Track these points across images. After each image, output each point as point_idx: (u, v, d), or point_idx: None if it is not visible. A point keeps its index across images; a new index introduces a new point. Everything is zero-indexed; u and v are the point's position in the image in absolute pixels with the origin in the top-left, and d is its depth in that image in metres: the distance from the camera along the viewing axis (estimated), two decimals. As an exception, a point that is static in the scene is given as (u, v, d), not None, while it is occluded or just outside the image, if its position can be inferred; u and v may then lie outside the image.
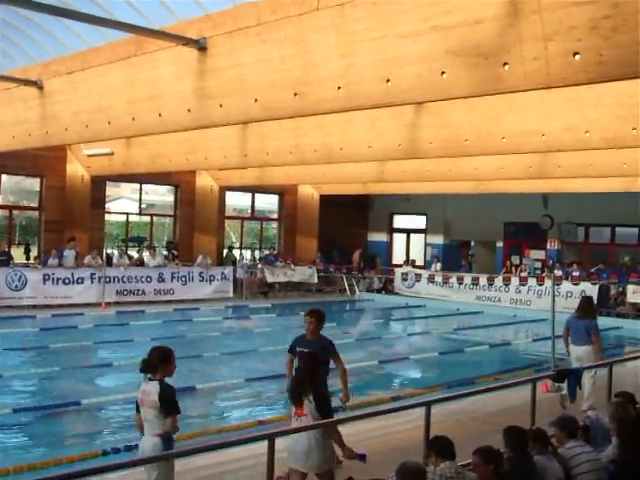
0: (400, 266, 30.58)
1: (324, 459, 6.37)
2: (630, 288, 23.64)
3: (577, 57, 7.37)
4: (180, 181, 27.14)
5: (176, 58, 11.20)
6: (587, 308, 11.67)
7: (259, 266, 27.67)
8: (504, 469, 5.86)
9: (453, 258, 31.35)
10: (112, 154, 21.54)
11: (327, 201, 30.75)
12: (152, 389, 5.92)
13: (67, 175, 24.22)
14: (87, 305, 21.74)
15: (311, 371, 6.66)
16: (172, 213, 28.32)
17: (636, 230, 27.49)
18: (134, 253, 25.61)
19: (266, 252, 29.81)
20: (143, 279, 23.26)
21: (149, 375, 6.02)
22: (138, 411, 6.05)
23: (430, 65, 8.40)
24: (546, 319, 14.33)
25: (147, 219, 28.60)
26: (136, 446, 7.88)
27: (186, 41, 10.73)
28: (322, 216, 30.99)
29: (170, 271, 24.09)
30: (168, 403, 5.85)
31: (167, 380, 6.00)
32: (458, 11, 7.99)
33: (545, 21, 7.47)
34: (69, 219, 24.26)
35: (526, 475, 5.99)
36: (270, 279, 27.45)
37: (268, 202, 32.20)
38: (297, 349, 8.30)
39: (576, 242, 28.65)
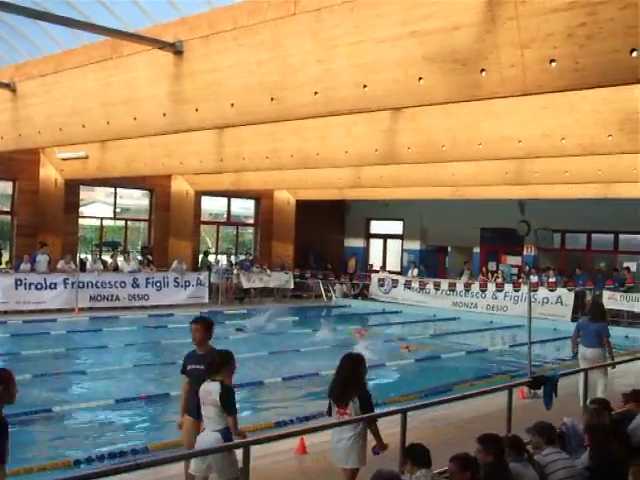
0: (377, 271, 30.61)
1: (359, 458, 6.92)
2: (606, 294, 23.78)
3: (553, 64, 7.38)
4: (155, 185, 26.96)
5: (152, 61, 11.11)
6: (599, 312, 12.37)
7: (235, 271, 27.54)
8: (480, 476, 5.83)
9: (430, 264, 31.41)
10: (87, 158, 21.34)
11: (303, 206, 30.69)
12: (214, 389, 6.55)
13: (40, 179, 23.95)
14: (60, 311, 21.52)
15: (354, 373, 7.11)
16: (147, 217, 28.11)
17: (612, 236, 27.68)
18: (108, 258, 25.38)
19: (242, 257, 29.70)
20: (117, 284, 23.07)
21: (211, 376, 6.70)
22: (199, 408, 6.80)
23: (407, 71, 8.38)
24: (522, 325, 14.36)
25: (121, 223, 28.37)
26: (110, 455, 7.80)
27: (162, 44, 10.64)
28: (298, 221, 30.93)
29: (145, 276, 23.91)
30: (228, 403, 6.48)
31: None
32: (436, 17, 7.97)
33: (522, 28, 7.47)
34: (42, 223, 23.98)
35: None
36: (246, 285, 27.35)
37: (244, 207, 32.09)
38: (189, 367, 7.53)
39: (552, 248, 28.86)
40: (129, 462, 5.33)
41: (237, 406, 6.60)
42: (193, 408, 7.14)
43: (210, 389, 6.59)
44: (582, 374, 10.61)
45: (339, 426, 6.86)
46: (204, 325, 7.64)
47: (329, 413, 7.21)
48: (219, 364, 6.78)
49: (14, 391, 5.11)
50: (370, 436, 7.02)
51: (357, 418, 6.90)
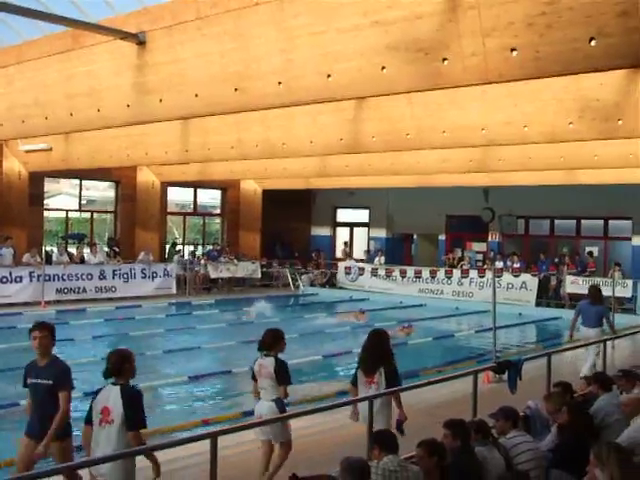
0: (343, 259, 30.71)
1: (385, 423, 7.68)
2: (569, 279, 24.11)
3: (514, 53, 7.48)
4: (121, 176, 26.76)
5: (114, 52, 11.03)
6: (598, 296, 13.37)
7: (202, 262, 27.47)
8: (447, 461, 5.93)
9: (396, 251, 31.58)
10: (50, 150, 21.12)
11: (270, 196, 30.67)
12: (268, 363, 7.43)
13: (3, 171, 23.63)
14: (26, 304, 21.30)
15: (382, 346, 7.97)
16: (113, 209, 27.91)
17: (574, 222, 28.04)
18: (74, 250, 25.17)
19: (209, 248, 29.62)
20: (84, 277, 22.90)
21: (264, 352, 7.55)
22: (255, 380, 7.59)
23: (370, 60, 8.42)
24: (487, 311, 14.52)
25: (87, 215, 28.13)
26: (77, 447, 7.81)
27: (124, 35, 10.57)
28: (265, 211, 30.91)
29: (111, 268, 23.75)
30: (282, 375, 7.34)
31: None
32: (398, 6, 8.02)
33: (483, 17, 7.55)
34: (6, 216, 23.68)
35: (468, 466, 6.07)
36: (213, 275, 27.30)
37: (211, 197, 31.99)
38: (29, 381, 6.74)
39: (516, 234, 29.16)
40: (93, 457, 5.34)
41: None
42: (33, 427, 6.56)
43: (265, 363, 7.47)
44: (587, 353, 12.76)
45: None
46: (50, 331, 6.72)
47: (354, 383, 8.04)
48: (271, 342, 7.60)
49: (135, 368, 6.18)
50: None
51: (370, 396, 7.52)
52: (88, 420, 6.05)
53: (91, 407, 6.08)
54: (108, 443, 5.82)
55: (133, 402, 5.92)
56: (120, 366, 6.10)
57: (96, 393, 6.16)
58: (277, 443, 7.47)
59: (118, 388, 5.97)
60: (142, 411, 5.95)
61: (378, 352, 7.93)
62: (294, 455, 7.42)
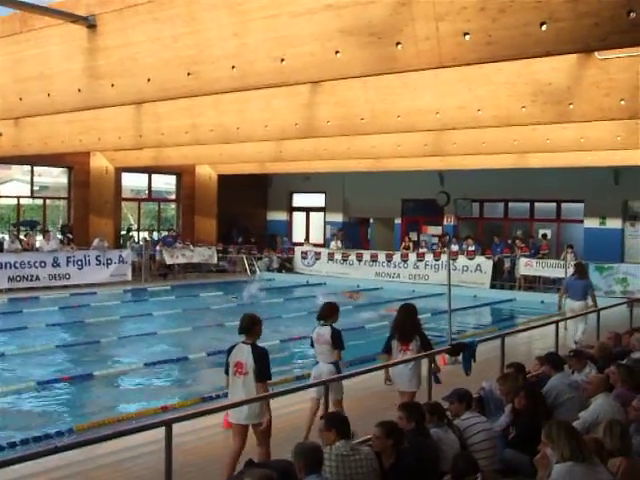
0: (301, 245, 30.73)
1: (418, 382, 8.96)
2: (522, 261, 24.43)
3: (467, 37, 7.50)
4: (74, 162, 26.36)
5: (64, 36, 10.80)
6: (583, 272, 14.92)
7: (157, 248, 27.27)
8: (403, 444, 6.00)
9: (352, 235, 31.69)
10: (0, 135, 20.70)
11: (225, 181, 30.51)
12: (325, 331, 8.70)
13: (-48, 158, 23.19)
14: (-23, 293, 21.00)
15: (413, 318, 9.22)
16: (66, 195, 27.51)
17: (527, 205, 28.41)
18: (26, 237, 24.78)
19: (164, 233, 29.40)
20: (37, 264, 22.57)
21: (322, 321, 8.79)
22: (313, 346, 8.87)
23: (324, 44, 8.38)
24: (443, 293, 14.64)
25: (40, 202, 27.71)
26: (36, 438, 7.75)
27: (74, 18, 10.35)
28: (221, 196, 30.75)
29: (65, 255, 23.44)
30: (338, 341, 8.60)
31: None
32: (351, -10, 7.99)
33: (436, 1, 7.55)
34: (-44, 204, 23.26)
35: (423, 448, 6.14)
36: (169, 261, 27.13)
37: (166, 183, 31.73)
38: None
39: (471, 217, 29.45)
40: (49, 445, 5.30)
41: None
42: None
43: (323, 332, 8.71)
44: (570, 324, 14.47)
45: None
46: None
47: (388, 351, 9.20)
48: (328, 314, 8.83)
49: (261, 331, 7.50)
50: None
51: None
52: (227, 371, 7.42)
53: (227, 361, 7.38)
54: (243, 390, 7.19)
55: (262, 358, 7.19)
56: (251, 327, 7.38)
57: (229, 350, 7.44)
58: (332, 400, 8.30)
59: (249, 346, 7.24)
60: (269, 366, 7.25)
61: (411, 323, 9.18)
62: (249, 441, 7.41)
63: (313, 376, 8.80)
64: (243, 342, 7.31)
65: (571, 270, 19.90)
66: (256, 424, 7.21)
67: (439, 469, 6.07)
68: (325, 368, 8.65)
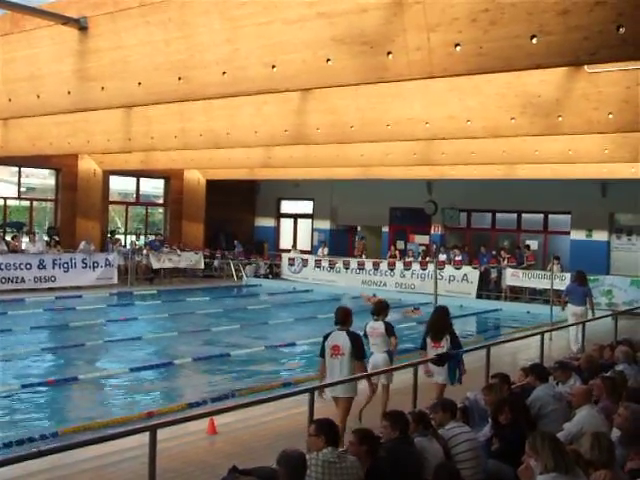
0: (288, 251, 30.73)
1: (446, 378, 9.82)
2: (509, 271, 24.51)
3: (458, 48, 7.54)
4: (62, 164, 26.28)
5: (55, 38, 10.78)
6: (584, 279, 15.99)
7: (144, 252, 27.19)
8: (379, 452, 6.02)
9: (340, 243, 31.71)
10: (-12, 136, 20.63)
11: (214, 186, 30.47)
12: (378, 325, 9.99)
13: (-61, 157, 23.06)
14: (-38, 294, 20.86)
15: (446, 319, 10.20)
16: (53, 197, 27.41)
17: (515, 216, 28.51)
18: (13, 239, 24.66)
19: (152, 237, 29.33)
20: (22, 266, 22.45)
21: (375, 317, 10.11)
22: (367, 338, 9.87)
23: (316, 52, 8.40)
24: (430, 302, 14.67)
25: (27, 204, 27.58)
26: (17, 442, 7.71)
27: (66, 20, 10.33)
28: (209, 201, 30.71)
29: (51, 258, 23.34)
30: (391, 331, 9.96)
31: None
32: (344, -1, 8.01)
33: (428, 12, 7.59)
34: (-58, 204, 23.11)
35: (405, 456, 6.15)
36: (156, 265, 27.05)
37: (154, 187, 31.65)
38: None
39: (458, 227, 29.53)
40: (32, 450, 5.27)
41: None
42: None
43: (376, 326, 9.97)
44: (571, 328, 15.31)
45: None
46: None
47: (423, 347, 10.19)
48: (380, 310, 10.21)
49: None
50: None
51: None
52: (321, 354, 8.85)
53: (323, 346, 8.82)
54: (340, 369, 8.59)
55: (357, 341, 8.74)
56: (345, 318, 8.90)
57: (325, 337, 8.89)
58: (384, 385, 9.78)
59: (344, 332, 8.72)
60: (363, 348, 8.90)
61: (443, 323, 10.13)
62: (234, 447, 7.41)
63: (371, 364, 9.65)
64: (338, 329, 8.78)
65: (557, 281, 20.13)
66: (344, 398, 8.61)
67: (422, 478, 6.07)
68: (380, 357, 9.82)
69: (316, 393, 7.47)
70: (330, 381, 8.51)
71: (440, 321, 10.19)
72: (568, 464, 5.01)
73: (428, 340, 10.11)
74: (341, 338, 8.72)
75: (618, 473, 5.53)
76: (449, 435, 6.83)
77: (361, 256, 29.40)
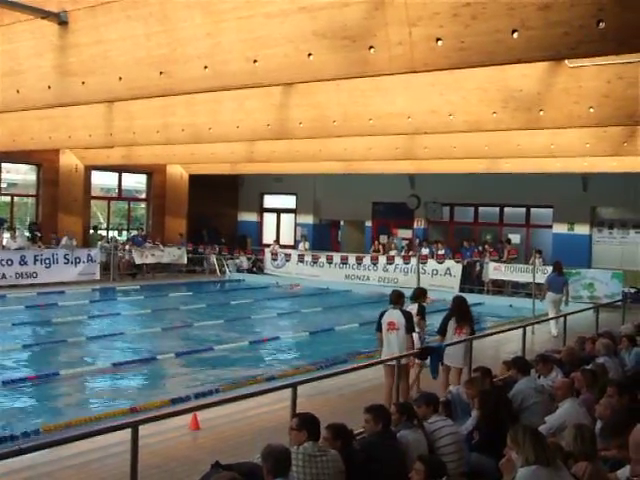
0: (269, 246, 30.71)
1: (468, 360, 10.46)
2: (491, 265, 24.59)
3: (440, 43, 7.55)
4: (43, 160, 26.11)
5: (35, 32, 10.70)
6: (561, 270, 17.68)
7: (126, 247, 27.08)
8: (353, 446, 6.08)
9: (323, 238, 31.72)
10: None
11: (196, 181, 30.40)
12: (413, 307, 11.01)
13: None
14: (-58, 290, 20.70)
15: (465, 307, 10.99)
16: (35, 193, 27.24)
17: (497, 210, 28.63)
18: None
19: (134, 233, 29.21)
20: (3, 262, 22.28)
21: (412, 301, 11.33)
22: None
23: (298, 46, 8.39)
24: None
25: (7, 199, 27.40)
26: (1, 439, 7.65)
27: (45, 14, 10.26)
28: (192, 196, 30.64)
29: (33, 254, 23.19)
30: (423, 314, 11.18)
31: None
32: (325, -7, 8.00)
33: (409, 6, 7.59)
34: None
35: (388, 450, 6.17)
36: (138, 260, 26.94)
37: (136, 182, 31.52)
38: None
39: (441, 221, 29.62)
40: (13, 447, 5.25)
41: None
42: None
43: (411, 307, 10.93)
44: (550, 308, 17.27)
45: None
46: None
47: (443, 333, 10.78)
48: (418, 295, 11.42)
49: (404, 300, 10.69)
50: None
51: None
52: (378, 329, 10.22)
53: (380, 322, 10.18)
54: (396, 342, 9.97)
55: (409, 318, 10.16)
56: (398, 298, 10.31)
57: (381, 315, 10.28)
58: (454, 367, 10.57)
59: (398, 310, 10.17)
60: (413, 323, 10.25)
61: (464, 310, 10.93)
62: (217, 442, 7.42)
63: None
64: (392, 308, 10.19)
65: (539, 274, 20.25)
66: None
67: (405, 472, 6.08)
68: (417, 337, 10.68)
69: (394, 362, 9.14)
70: (387, 352, 9.95)
71: (463, 308, 10.96)
72: (549, 457, 5.03)
73: (451, 326, 10.74)
74: (396, 315, 10.11)
75: (599, 465, 5.57)
76: (432, 429, 6.86)
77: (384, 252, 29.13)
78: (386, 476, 5.95)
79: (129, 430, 5.60)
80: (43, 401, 11.01)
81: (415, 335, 10.45)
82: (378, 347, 10.42)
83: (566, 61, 10.97)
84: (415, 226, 29.94)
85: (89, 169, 27.75)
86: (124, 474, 5.87)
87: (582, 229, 26.37)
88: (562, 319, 14.56)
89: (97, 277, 24.79)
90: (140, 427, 5.69)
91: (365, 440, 6.50)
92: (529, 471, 4.97)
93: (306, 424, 5.85)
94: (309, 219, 32.62)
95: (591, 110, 11.58)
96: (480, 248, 25.93)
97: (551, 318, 16.30)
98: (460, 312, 10.86)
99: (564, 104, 11.78)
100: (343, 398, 10.42)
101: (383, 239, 29.59)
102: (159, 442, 8.14)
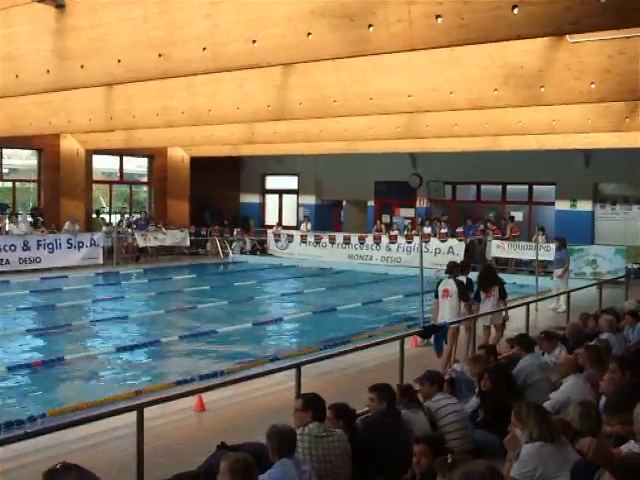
0: (271, 227, 30.72)
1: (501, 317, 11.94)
2: (494, 243, 24.58)
3: (439, 20, 7.49)
4: (44, 145, 26.05)
5: (32, 16, 10.63)
6: (563, 244, 18.13)
7: (129, 230, 27.09)
8: (355, 425, 6.10)
9: (325, 218, 31.69)
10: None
11: (198, 163, 30.33)
12: (463, 278, 11.82)
13: None
14: (-53, 276, 20.74)
15: (492, 273, 12.67)
16: (36, 178, 27.23)
17: (500, 187, 28.56)
18: (-5, 221, 24.50)
19: (137, 216, 29.22)
20: (7, 248, 22.34)
21: (462, 274, 12.02)
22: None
23: (296, 26, 8.34)
24: (416, 275, 14.71)
25: (9, 185, 27.40)
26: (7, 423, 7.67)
27: (42, -2, 10.21)
28: (193, 178, 30.59)
29: (36, 239, 23.23)
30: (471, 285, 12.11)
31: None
32: (323, -28, 7.94)
33: (408, -17, 7.54)
34: None
35: (393, 428, 6.19)
36: (142, 243, 26.98)
37: (137, 165, 31.48)
38: None
39: (444, 200, 29.56)
40: (19, 432, 5.27)
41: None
42: None
43: (450, 283, 11.56)
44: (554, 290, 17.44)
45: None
46: None
47: (478, 298, 11.84)
48: (462, 268, 12.26)
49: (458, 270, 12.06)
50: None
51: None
52: (436, 296, 11.55)
53: (437, 289, 11.55)
54: (450, 308, 11.31)
55: (461, 286, 11.45)
56: (452, 269, 11.72)
57: (438, 283, 11.75)
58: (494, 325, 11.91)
59: (452, 279, 11.53)
60: (466, 291, 11.53)
61: (490, 276, 12.33)
62: (222, 424, 7.44)
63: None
64: (447, 277, 11.66)
65: (542, 252, 20.21)
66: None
67: (409, 449, 6.10)
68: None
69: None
70: (441, 316, 11.22)
71: (487, 274, 12.38)
72: (553, 433, 5.05)
73: (481, 292, 11.89)
74: (449, 284, 11.53)
75: (604, 440, 5.58)
76: (436, 407, 6.88)
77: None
78: (390, 454, 5.97)
79: (134, 413, 5.63)
80: (48, 385, 11.05)
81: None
82: (433, 313, 11.70)
83: (567, 37, 10.89)
84: (417, 205, 29.89)
85: (90, 153, 27.71)
86: (130, 456, 5.91)
87: (585, 205, 26.30)
88: (565, 296, 14.58)
89: (100, 261, 24.83)
90: (145, 409, 5.72)
91: (369, 419, 6.52)
92: (533, 447, 4.99)
93: (311, 405, 5.86)
94: (311, 199, 32.57)
95: (592, 86, 11.51)
96: (482, 226, 25.90)
97: (555, 295, 16.29)
98: (485, 278, 12.14)
99: (565, 80, 11.71)
100: (347, 378, 10.44)
101: (385, 218, 29.58)
102: (164, 424, 8.17)
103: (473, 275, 12.62)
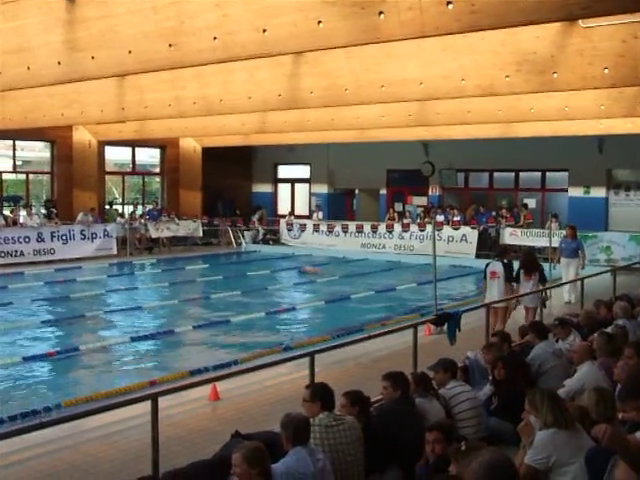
0: (284, 217, 30.71)
1: (538, 300, 12.44)
2: (507, 230, 24.50)
3: (450, 6, 7.46)
4: (56, 136, 26.13)
5: (43, 7, 10.67)
6: (574, 234, 17.20)
7: (142, 221, 27.16)
8: (370, 412, 6.10)
9: (337, 207, 31.66)
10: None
11: (210, 153, 30.35)
12: (499, 265, 12.46)
13: None
14: (-39, 268, 20.86)
15: (533, 257, 13.27)
16: (49, 170, 27.33)
17: (512, 175, 28.43)
18: (9, 213, 24.62)
19: (149, 207, 29.29)
20: (21, 239, 22.46)
21: (496, 258, 12.85)
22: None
23: (307, 14, 8.32)
24: (429, 263, 14.67)
25: (23, 177, 27.52)
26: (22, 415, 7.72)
27: (52, -11, 10.24)
28: (205, 169, 30.61)
29: (49, 230, 23.33)
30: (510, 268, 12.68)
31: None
32: (333, -41, 7.91)
33: (418, -30, 7.50)
34: (-63, 179, 23.01)
35: (406, 416, 6.19)
36: (154, 234, 27.05)
37: (150, 156, 31.52)
38: None
39: (456, 187, 29.47)
40: (34, 421, 5.31)
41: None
42: None
43: (498, 266, 12.34)
44: (564, 273, 16.91)
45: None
46: None
47: (517, 280, 12.55)
48: (502, 253, 13.53)
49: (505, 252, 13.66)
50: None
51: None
52: (485, 277, 12.44)
53: (485, 271, 12.45)
54: (497, 288, 12.17)
55: (507, 269, 12.28)
56: (502, 253, 13.01)
57: (486, 266, 12.63)
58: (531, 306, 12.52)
59: (500, 262, 12.36)
60: (512, 274, 12.35)
61: (533, 260, 12.99)
62: (236, 413, 7.47)
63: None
64: (496, 260, 12.59)
65: (555, 239, 20.11)
66: (500, 307, 11.92)
67: (423, 437, 6.10)
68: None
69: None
70: (488, 297, 12.13)
71: (529, 258, 13.02)
72: (567, 420, 5.04)
73: (521, 275, 12.58)
74: (498, 266, 12.37)
75: (618, 427, 5.56)
76: (450, 394, 6.88)
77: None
78: (404, 442, 5.97)
79: (149, 402, 5.65)
80: (63, 376, 11.11)
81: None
82: (483, 293, 12.72)
83: (580, 22, 10.80)
84: (430, 193, 29.81)
85: (102, 144, 27.78)
86: (145, 445, 5.94)
87: (598, 192, 26.14)
88: (579, 283, 14.51)
89: (114, 252, 24.92)
90: (160, 399, 5.74)
91: (383, 406, 6.52)
92: (547, 434, 4.98)
93: (319, 395, 5.85)
94: (323, 188, 32.53)
95: (606, 71, 11.42)
96: (494, 214, 25.80)
97: (564, 283, 16.10)
98: (526, 263, 12.78)
99: (578, 65, 11.62)
100: (361, 366, 10.45)
101: (398, 206, 29.54)
102: (179, 413, 8.21)
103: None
